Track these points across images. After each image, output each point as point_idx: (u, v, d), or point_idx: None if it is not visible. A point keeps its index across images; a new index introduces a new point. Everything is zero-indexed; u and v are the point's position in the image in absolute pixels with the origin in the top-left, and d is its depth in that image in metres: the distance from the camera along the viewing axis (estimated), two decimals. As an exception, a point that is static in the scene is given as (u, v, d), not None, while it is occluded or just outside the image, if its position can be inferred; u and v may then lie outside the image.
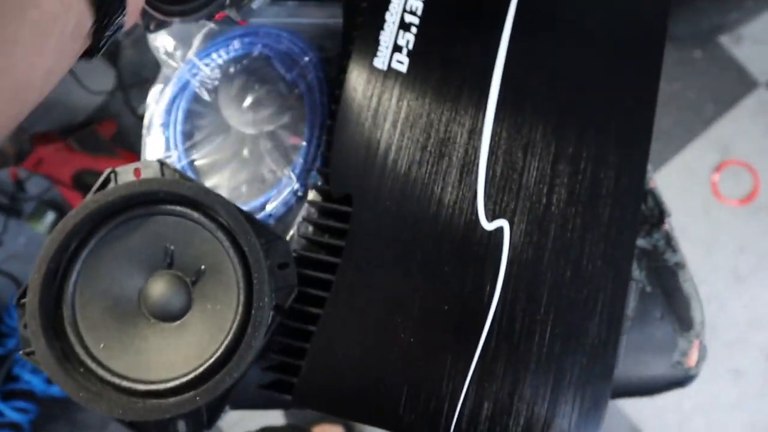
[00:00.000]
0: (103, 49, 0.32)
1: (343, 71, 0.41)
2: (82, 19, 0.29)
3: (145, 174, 0.38)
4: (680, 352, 0.40)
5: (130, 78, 1.39)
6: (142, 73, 1.39)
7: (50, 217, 1.33)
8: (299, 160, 0.43)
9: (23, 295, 0.36)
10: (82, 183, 1.21)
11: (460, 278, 0.36)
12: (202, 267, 0.38)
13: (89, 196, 0.38)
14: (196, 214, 0.37)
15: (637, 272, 0.41)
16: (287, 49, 0.47)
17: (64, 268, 0.37)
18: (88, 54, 0.32)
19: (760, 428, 1.16)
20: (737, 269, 1.21)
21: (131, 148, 1.36)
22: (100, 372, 0.36)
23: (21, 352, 0.36)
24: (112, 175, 0.38)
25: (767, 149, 1.25)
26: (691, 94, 1.28)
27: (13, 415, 1.12)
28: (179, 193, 0.36)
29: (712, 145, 1.27)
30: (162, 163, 0.38)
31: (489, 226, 0.37)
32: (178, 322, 0.38)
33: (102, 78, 1.34)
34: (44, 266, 0.35)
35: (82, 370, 0.36)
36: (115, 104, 1.39)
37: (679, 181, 1.25)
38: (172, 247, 0.38)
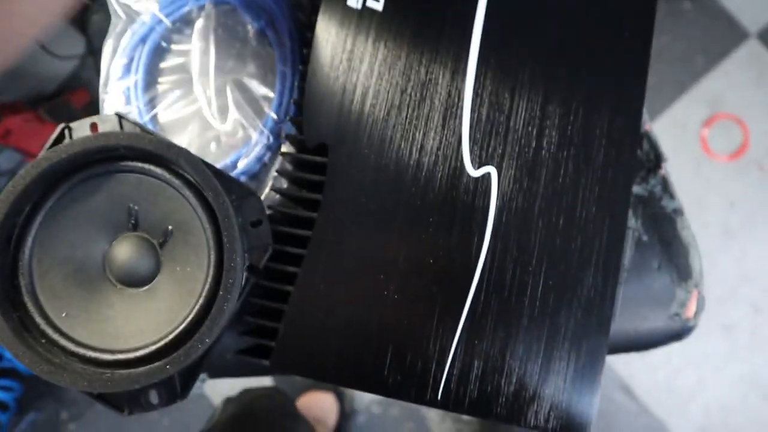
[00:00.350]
0: None
1: (314, 12, 0.38)
2: None
3: (103, 128, 0.35)
4: (678, 303, 0.38)
5: (100, 44, 1.33)
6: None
7: (25, 191, 1.29)
8: (271, 113, 0.40)
9: None
10: (55, 155, 1.16)
11: (446, 229, 0.34)
12: (170, 227, 0.35)
13: (41, 153, 0.35)
14: (159, 170, 0.34)
15: (632, 220, 0.39)
16: (254, -7, 0.43)
17: (18, 233, 0.34)
18: None
19: (748, 382, 1.17)
20: (728, 225, 1.20)
21: (105, 118, 1.31)
22: (63, 342, 0.33)
23: None
24: (66, 131, 0.35)
25: (757, 102, 1.23)
26: (681, 47, 1.25)
27: (-3, 394, 1.11)
28: (140, 147, 0.33)
29: (702, 98, 1.24)
30: (121, 117, 0.35)
31: (475, 173, 0.34)
32: (146, 287, 0.36)
33: (71, 45, 1.28)
34: None
35: (43, 341, 0.33)
36: (86, 72, 1.33)
37: (669, 136, 1.22)
38: (135, 207, 0.35)
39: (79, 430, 1.22)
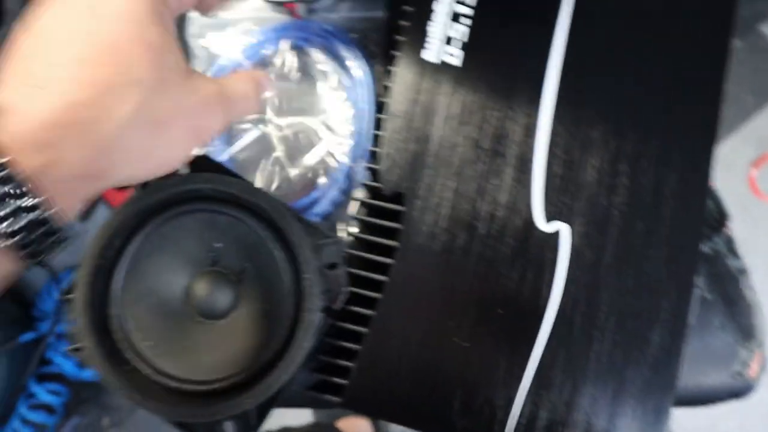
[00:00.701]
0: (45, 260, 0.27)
1: (390, 63, 0.40)
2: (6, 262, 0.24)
3: (190, 169, 0.37)
4: (741, 362, 0.39)
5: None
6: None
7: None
8: (345, 157, 0.42)
9: (70, 290, 0.35)
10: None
11: (516, 281, 0.35)
12: (248, 266, 0.37)
13: (134, 191, 0.37)
14: (243, 213, 0.36)
15: (696, 278, 0.39)
16: (329, 43, 0.45)
17: (110, 264, 0.36)
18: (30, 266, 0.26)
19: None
20: (776, 268, 1.17)
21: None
22: (148, 371, 0.35)
23: (68, 348, 0.36)
24: None
25: (808, 143, 1.21)
26: (729, 86, 1.23)
27: (46, 397, 1.15)
28: (226, 191, 0.35)
29: (751, 138, 1.22)
30: (206, 158, 0.37)
31: (547, 227, 0.35)
32: (224, 320, 0.38)
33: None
34: (91, 263, 0.35)
35: (128, 368, 0.35)
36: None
37: (717, 176, 1.21)
38: (217, 245, 0.38)
39: (119, 436, 1.25)
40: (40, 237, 0.24)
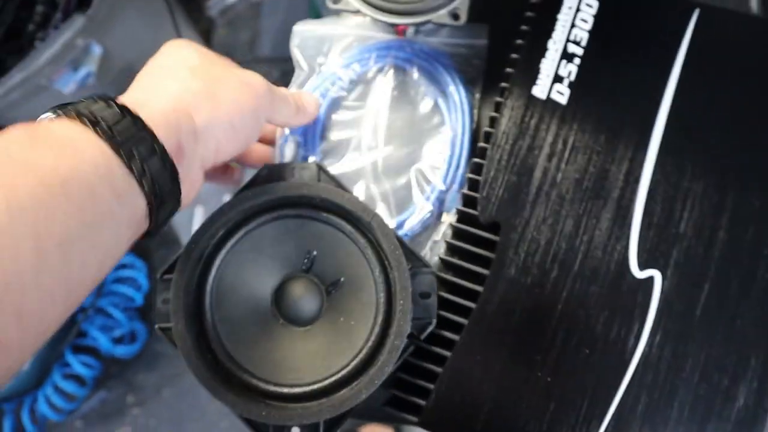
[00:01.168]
0: (159, 229, 0.32)
1: (492, 93, 0.40)
2: (136, 209, 0.28)
3: (302, 176, 0.39)
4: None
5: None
6: (233, 54, 1.41)
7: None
8: (438, 181, 0.43)
9: (168, 270, 0.37)
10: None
11: (605, 323, 0.35)
12: (341, 279, 0.38)
13: (244, 189, 0.38)
14: (348, 226, 0.37)
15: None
16: (430, 65, 0.46)
17: (210, 253, 0.38)
18: (144, 236, 0.31)
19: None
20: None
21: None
22: (228, 364, 0.36)
23: (157, 326, 0.37)
24: (265, 170, 0.39)
25: None
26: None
27: (79, 368, 1.17)
28: (336, 203, 0.36)
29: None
30: (320, 168, 0.39)
31: (640, 274, 0.36)
32: (306, 327, 0.39)
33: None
34: (195, 249, 0.36)
35: (209, 357, 0.37)
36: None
37: None
38: (314, 253, 0.39)
39: (142, 415, 1.27)
40: (164, 194, 0.29)
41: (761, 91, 0.38)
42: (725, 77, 0.39)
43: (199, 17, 1.42)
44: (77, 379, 1.19)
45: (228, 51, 1.43)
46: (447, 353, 0.36)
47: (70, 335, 1.16)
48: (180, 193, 0.31)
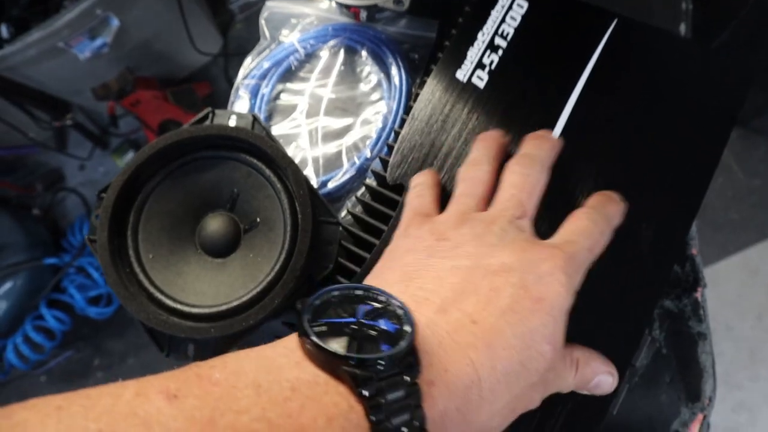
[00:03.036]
0: None
1: (426, 75, 0.44)
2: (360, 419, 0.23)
3: (239, 123, 0.42)
4: (681, 421, 0.40)
5: (234, 49, 1.49)
6: (246, 47, 1.48)
7: (130, 155, 1.44)
8: (366, 149, 0.47)
9: (105, 189, 0.40)
10: (166, 131, 1.30)
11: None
12: (258, 219, 0.42)
13: (186, 125, 0.42)
14: (268, 171, 0.41)
15: (657, 332, 0.41)
16: (378, 48, 0.50)
17: (144, 179, 0.41)
18: None
19: None
20: (778, 385, 1.14)
21: (218, 112, 1.45)
22: (141, 277, 0.40)
23: (86, 236, 0.41)
24: (210, 114, 0.43)
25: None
26: (770, 192, 1.24)
27: (51, 322, 1.21)
28: (262, 149, 0.40)
29: (783, 250, 1.21)
30: (255, 119, 0.42)
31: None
32: (219, 260, 0.42)
33: (210, 42, 1.44)
34: (129, 171, 0.40)
35: (127, 270, 0.40)
36: (214, 69, 1.48)
37: (739, 278, 1.20)
38: (238, 192, 0.42)
39: (106, 378, 1.30)
40: None
41: (658, 103, 0.41)
42: (629, 86, 0.42)
43: (220, 10, 1.49)
44: (47, 332, 1.23)
45: (242, 45, 1.50)
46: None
47: (46, 289, 1.21)
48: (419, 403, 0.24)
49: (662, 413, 0.41)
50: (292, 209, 0.40)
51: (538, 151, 0.36)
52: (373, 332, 0.24)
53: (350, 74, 0.51)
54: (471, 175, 0.36)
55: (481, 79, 0.43)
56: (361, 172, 0.46)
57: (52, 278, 1.23)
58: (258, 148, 0.41)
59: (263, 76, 0.51)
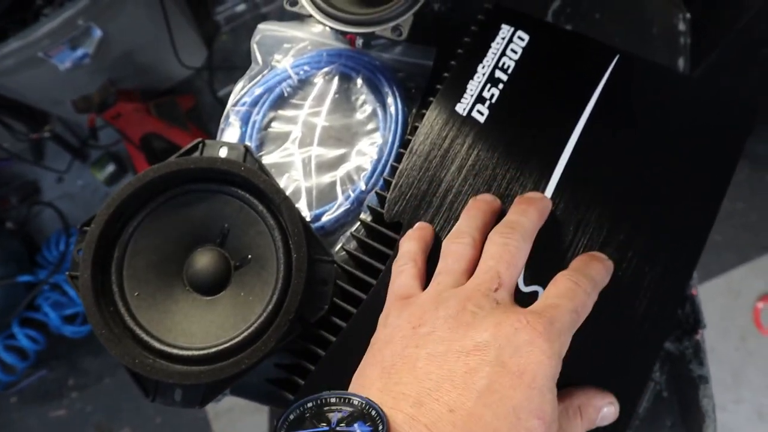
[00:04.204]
0: None
1: (425, 107, 0.43)
2: None
3: (230, 154, 0.41)
4: (683, 467, 0.40)
5: (219, 61, 1.46)
6: (232, 59, 1.46)
7: (110, 168, 1.40)
8: (361, 182, 0.45)
9: (88, 223, 0.38)
10: (148, 145, 1.27)
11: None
12: (249, 256, 0.40)
13: (175, 157, 0.40)
14: (260, 207, 0.39)
15: (657, 374, 0.40)
16: (374, 76, 0.49)
17: (130, 213, 0.39)
18: None
19: None
20: (762, 407, 1.15)
21: (203, 126, 1.42)
22: (126, 318, 0.38)
23: (67, 273, 0.39)
24: (200, 145, 0.41)
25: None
26: (753, 217, 1.25)
27: (23, 341, 1.17)
28: (254, 183, 0.38)
29: (763, 272, 1.23)
30: (247, 150, 0.41)
31: (525, 288, 0.38)
32: (209, 297, 0.40)
33: (195, 54, 1.42)
34: (114, 205, 0.38)
35: (111, 309, 0.38)
36: (198, 82, 1.46)
37: (721, 299, 1.21)
38: (228, 228, 0.40)
39: (80, 399, 1.26)
40: None
41: (661, 142, 0.41)
42: (632, 122, 0.41)
43: (205, 20, 1.47)
44: (20, 352, 1.18)
45: (227, 57, 1.48)
46: (333, 338, 0.38)
47: (19, 307, 1.16)
48: None
49: (664, 459, 0.40)
50: (285, 247, 0.39)
51: (522, 217, 0.35)
52: None
53: (345, 102, 0.49)
54: (453, 250, 0.35)
55: (481, 114, 0.42)
56: (356, 205, 0.45)
57: (26, 296, 1.18)
58: (250, 182, 0.39)
59: (254, 103, 0.49)
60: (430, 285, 0.34)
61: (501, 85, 0.42)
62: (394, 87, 0.48)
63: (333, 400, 0.27)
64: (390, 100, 0.48)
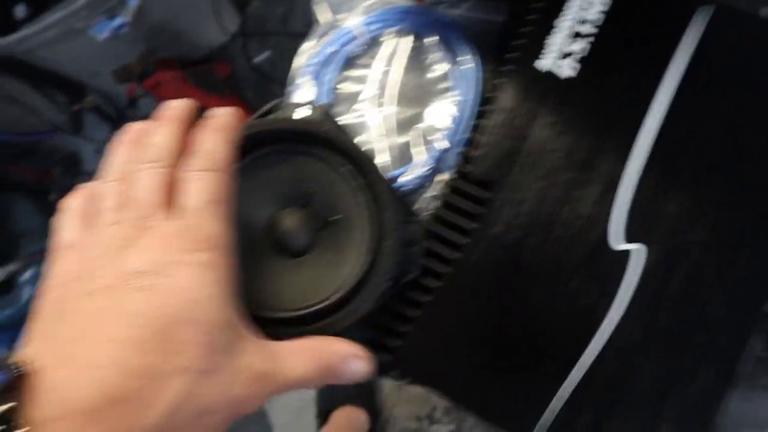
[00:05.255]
0: None
1: (501, 64, 0.42)
2: None
3: (308, 115, 0.40)
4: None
5: (252, 28, 1.44)
6: (265, 26, 1.43)
7: (150, 138, 1.40)
8: (443, 141, 0.44)
9: None
10: (187, 114, 1.26)
11: (578, 290, 0.36)
12: (335, 217, 0.40)
13: (253, 118, 0.40)
14: (346, 167, 0.39)
15: (755, 335, 0.40)
16: (445, 34, 0.48)
17: None
18: None
19: None
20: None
21: (239, 94, 1.41)
22: None
23: None
24: (277, 106, 0.40)
25: None
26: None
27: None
28: (338, 144, 0.38)
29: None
30: (326, 111, 0.40)
31: (621, 246, 0.37)
32: (295, 259, 0.40)
33: (227, 21, 1.40)
34: None
35: None
36: (232, 49, 1.44)
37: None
38: (313, 188, 0.40)
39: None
40: None
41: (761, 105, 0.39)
42: (731, 79, 0.39)
43: (237, -14, 1.44)
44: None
45: (260, 23, 1.46)
46: (427, 298, 0.38)
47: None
48: None
49: (759, 417, 0.40)
50: (372, 208, 0.38)
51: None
52: None
53: (415, 61, 0.48)
54: None
55: (564, 69, 0.40)
56: (435, 164, 0.44)
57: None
58: (333, 142, 0.38)
59: (324, 63, 0.48)
60: None
61: (584, 39, 0.41)
62: (469, 44, 0.47)
63: None
64: (465, 57, 0.46)
